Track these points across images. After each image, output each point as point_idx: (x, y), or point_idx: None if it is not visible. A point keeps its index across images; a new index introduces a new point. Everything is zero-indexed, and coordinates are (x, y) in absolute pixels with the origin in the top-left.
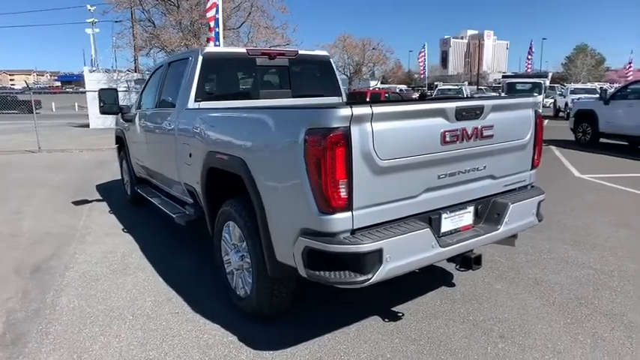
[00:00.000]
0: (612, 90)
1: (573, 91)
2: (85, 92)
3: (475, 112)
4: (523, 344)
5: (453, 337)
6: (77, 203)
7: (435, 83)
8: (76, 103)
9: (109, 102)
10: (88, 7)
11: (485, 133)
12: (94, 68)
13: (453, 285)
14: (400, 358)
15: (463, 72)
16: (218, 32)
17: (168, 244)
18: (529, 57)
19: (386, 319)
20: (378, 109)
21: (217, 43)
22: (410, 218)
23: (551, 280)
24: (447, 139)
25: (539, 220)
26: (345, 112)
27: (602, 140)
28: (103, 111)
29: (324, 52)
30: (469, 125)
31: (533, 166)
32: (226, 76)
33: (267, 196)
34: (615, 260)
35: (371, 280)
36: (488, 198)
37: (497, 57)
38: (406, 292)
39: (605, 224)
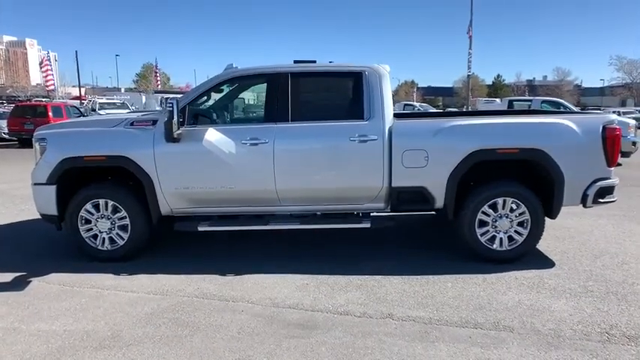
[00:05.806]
0: None
1: None
2: None
3: None
4: None
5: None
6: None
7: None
8: None
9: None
10: None
11: None
12: None
13: None
14: None
15: (6, 83)
16: None
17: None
18: (157, 75)
19: None
20: None
21: None
22: None
23: None
24: None
25: None
26: (615, 116)
27: None
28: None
29: None
30: None
31: None
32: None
33: (566, 168)
34: None
35: (616, 200)
36: None
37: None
38: None
39: None
